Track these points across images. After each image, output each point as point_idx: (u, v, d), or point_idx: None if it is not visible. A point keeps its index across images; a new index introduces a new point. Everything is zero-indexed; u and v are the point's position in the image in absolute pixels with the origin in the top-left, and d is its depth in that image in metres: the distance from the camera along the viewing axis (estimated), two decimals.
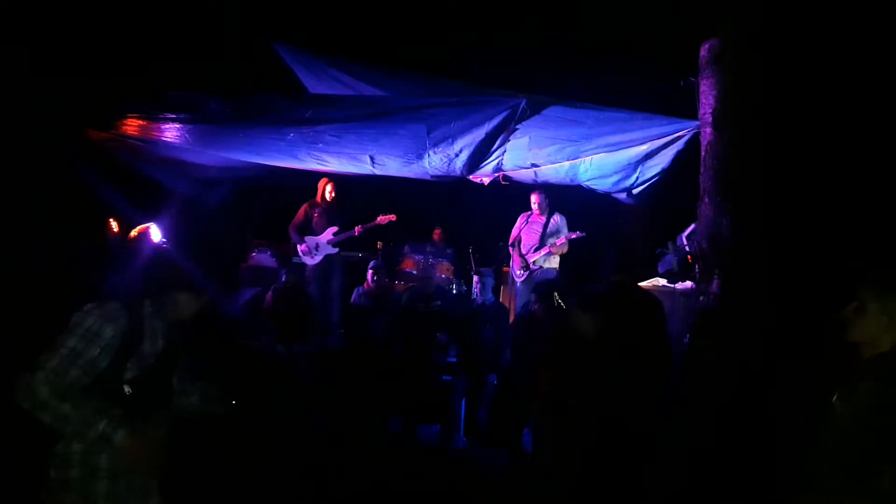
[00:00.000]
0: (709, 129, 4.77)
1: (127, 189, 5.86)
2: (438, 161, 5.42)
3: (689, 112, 5.04)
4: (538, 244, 6.84)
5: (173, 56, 5.92)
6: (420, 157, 5.37)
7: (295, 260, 7.30)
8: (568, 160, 5.71)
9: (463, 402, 5.85)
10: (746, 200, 4.55)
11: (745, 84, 4.60)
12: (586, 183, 6.06)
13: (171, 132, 5.19)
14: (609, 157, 5.62)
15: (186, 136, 5.30)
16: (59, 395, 2.15)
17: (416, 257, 7.85)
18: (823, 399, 2.41)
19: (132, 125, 5.06)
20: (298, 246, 7.08)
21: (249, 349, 5.82)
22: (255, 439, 5.22)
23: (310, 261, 7.04)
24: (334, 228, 7.05)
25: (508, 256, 7.18)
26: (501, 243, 7.35)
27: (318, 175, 6.77)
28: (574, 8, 6.23)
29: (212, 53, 6.08)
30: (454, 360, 6.01)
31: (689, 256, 5.76)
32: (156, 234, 5.96)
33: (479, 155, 5.38)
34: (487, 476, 5.42)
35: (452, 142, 5.25)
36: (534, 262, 6.83)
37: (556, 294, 4.86)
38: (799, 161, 4.42)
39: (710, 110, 4.78)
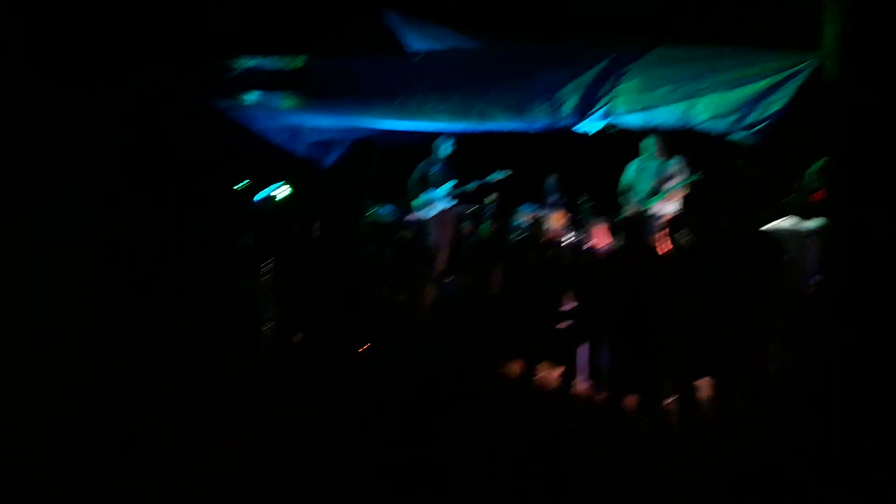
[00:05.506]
0: (833, 61, 4.50)
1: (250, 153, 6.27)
2: (546, 110, 5.40)
3: (813, 44, 4.79)
4: (653, 190, 6.68)
5: (275, 27, 6.15)
6: (527, 108, 5.37)
7: (413, 215, 7.55)
8: (682, 100, 5.52)
9: (583, 347, 5.89)
10: (877, 132, 4.28)
11: (872, 11, 4.28)
12: (702, 124, 5.84)
13: (286, 99, 5.49)
14: (726, 96, 5.38)
15: (301, 103, 5.59)
16: None
17: (530, 208, 7.89)
18: None
19: (251, 93, 5.41)
20: (416, 201, 7.34)
21: (373, 298, 6.19)
22: (376, 382, 5.59)
23: (427, 215, 7.28)
24: (451, 183, 7.25)
25: (621, 205, 7.07)
26: (615, 191, 7.24)
27: (435, 133, 6.97)
28: None
29: (318, 20, 6.26)
30: (571, 307, 6.04)
31: (817, 194, 5.49)
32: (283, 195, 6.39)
33: (588, 101, 5.31)
34: (610, 420, 5.46)
35: (559, 90, 5.22)
36: (648, 208, 6.69)
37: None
38: None
39: (835, 39, 4.51)
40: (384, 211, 7.92)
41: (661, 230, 5.68)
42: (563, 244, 7.15)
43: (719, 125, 5.83)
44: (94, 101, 4.74)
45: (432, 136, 7.15)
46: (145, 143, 5.12)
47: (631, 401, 5.40)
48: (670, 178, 6.65)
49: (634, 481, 4.00)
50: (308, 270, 5.92)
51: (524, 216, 7.81)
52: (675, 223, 5.74)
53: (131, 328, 4.40)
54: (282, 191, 6.54)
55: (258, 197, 6.39)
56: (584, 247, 6.10)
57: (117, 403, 3.62)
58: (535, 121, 5.54)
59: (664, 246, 5.54)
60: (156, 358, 4.22)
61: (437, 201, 7.24)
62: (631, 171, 6.96)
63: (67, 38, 4.61)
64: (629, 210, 6.84)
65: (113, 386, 3.81)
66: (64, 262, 4.25)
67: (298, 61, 5.20)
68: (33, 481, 2.88)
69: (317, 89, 5.39)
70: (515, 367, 6.01)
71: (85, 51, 4.69)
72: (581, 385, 5.88)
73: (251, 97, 5.41)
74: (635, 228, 5.15)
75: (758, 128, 5.66)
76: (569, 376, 5.79)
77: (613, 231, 6.86)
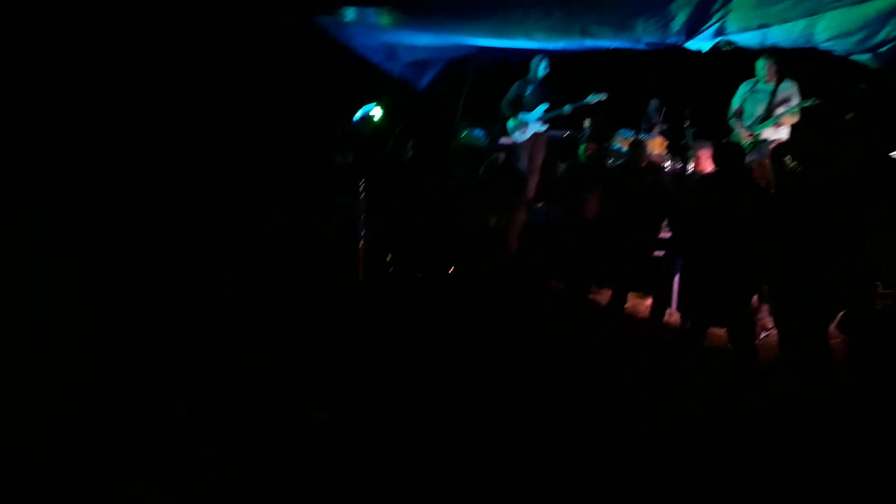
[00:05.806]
0: None
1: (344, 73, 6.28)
2: (653, 27, 5.14)
3: None
4: (765, 114, 6.30)
5: None
6: (632, 24, 5.13)
7: (507, 137, 7.46)
8: (802, 17, 5.12)
9: (676, 277, 5.76)
10: None
11: None
12: (823, 44, 5.43)
13: (383, 16, 5.45)
14: (853, 11, 4.96)
15: (398, 19, 5.54)
16: None
17: (628, 133, 7.62)
18: None
19: (349, 9, 5.40)
20: (510, 123, 7.23)
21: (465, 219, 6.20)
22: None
23: (519, 137, 7.18)
24: (545, 105, 7.08)
25: (730, 129, 6.72)
26: (725, 115, 6.88)
27: (531, 52, 6.77)
28: None
29: None
30: (669, 235, 5.89)
31: None
32: (378, 114, 6.42)
33: (699, 17, 5.01)
34: (700, 349, 5.37)
35: (668, 6, 4.94)
36: (759, 133, 6.32)
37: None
38: None
39: None
40: (477, 133, 7.84)
41: (770, 157, 5.36)
42: (664, 170, 6.91)
43: (843, 45, 5.42)
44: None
45: (528, 55, 6.96)
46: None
47: (723, 333, 5.30)
48: (784, 102, 6.24)
49: (723, 416, 3.94)
50: (401, 191, 5.97)
51: (621, 141, 7.56)
52: (785, 150, 5.42)
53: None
54: (376, 111, 6.58)
55: (356, 118, 6.45)
56: (688, 173, 5.86)
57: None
58: (641, 38, 5.29)
59: (771, 173, 5.25)
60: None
61: (530, 124, 7.12)
62: (741, 94, 6.56)
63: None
64: (739, 135, 6.50)
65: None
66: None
67: None
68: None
69: (414, 4, 5.32)
70: (606, 295, 5.96)
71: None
72: (673, 315, 5.79)
73: (350, 14, 5.40)
74: (736, 154, 4.86)
75: (887, 48, 5.23)
76: (661, 305, 5.70)
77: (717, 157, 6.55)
